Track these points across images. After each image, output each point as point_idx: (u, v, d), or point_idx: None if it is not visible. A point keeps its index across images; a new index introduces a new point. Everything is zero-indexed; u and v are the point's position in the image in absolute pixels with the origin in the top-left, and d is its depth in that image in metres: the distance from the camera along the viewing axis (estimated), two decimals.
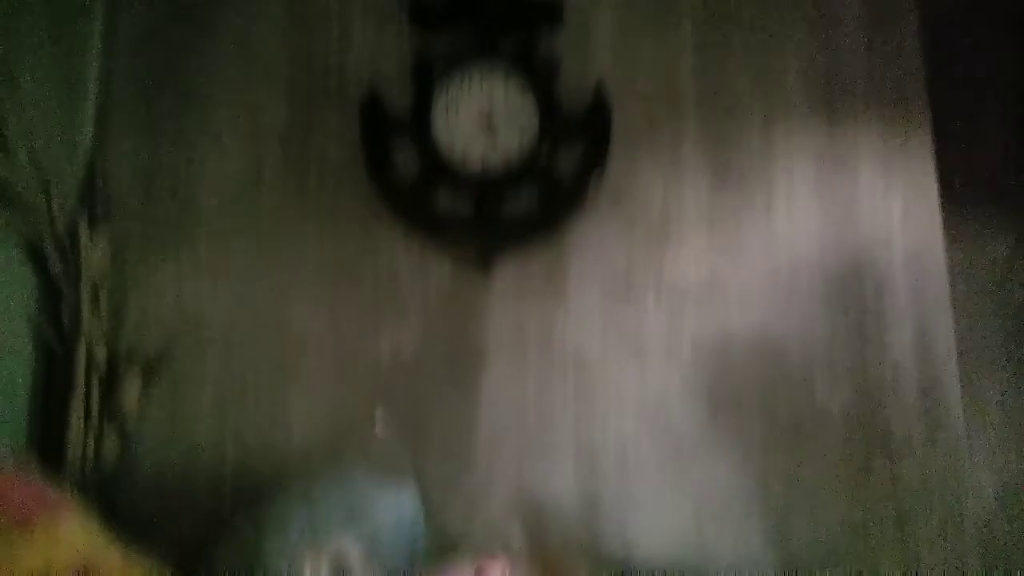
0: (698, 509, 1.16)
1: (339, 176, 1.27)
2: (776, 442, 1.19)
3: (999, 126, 1.44)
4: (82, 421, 1.08)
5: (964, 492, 1.19)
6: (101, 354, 1.11)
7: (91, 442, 1.09)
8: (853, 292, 1.25)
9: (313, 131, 1.28)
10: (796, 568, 1.13)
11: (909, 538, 1.18)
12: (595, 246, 1.25)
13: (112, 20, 1.30)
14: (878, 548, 1.18)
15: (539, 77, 1.26)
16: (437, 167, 1.24)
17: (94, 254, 1.11)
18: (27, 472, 0.89)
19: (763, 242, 1.26)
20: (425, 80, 1.26)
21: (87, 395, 1.09)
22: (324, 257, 1.25)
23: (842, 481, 1.18)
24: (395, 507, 1.04)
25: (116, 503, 1.11)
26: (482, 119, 1.25)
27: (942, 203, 1.30)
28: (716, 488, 1.18)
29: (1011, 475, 1.38)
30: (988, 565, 1.20)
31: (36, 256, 1.09)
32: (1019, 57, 1.43)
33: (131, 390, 1.13)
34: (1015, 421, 1.42)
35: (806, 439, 1.19)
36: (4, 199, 1.02)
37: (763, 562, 1.13)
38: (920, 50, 1.35)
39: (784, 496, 1.18)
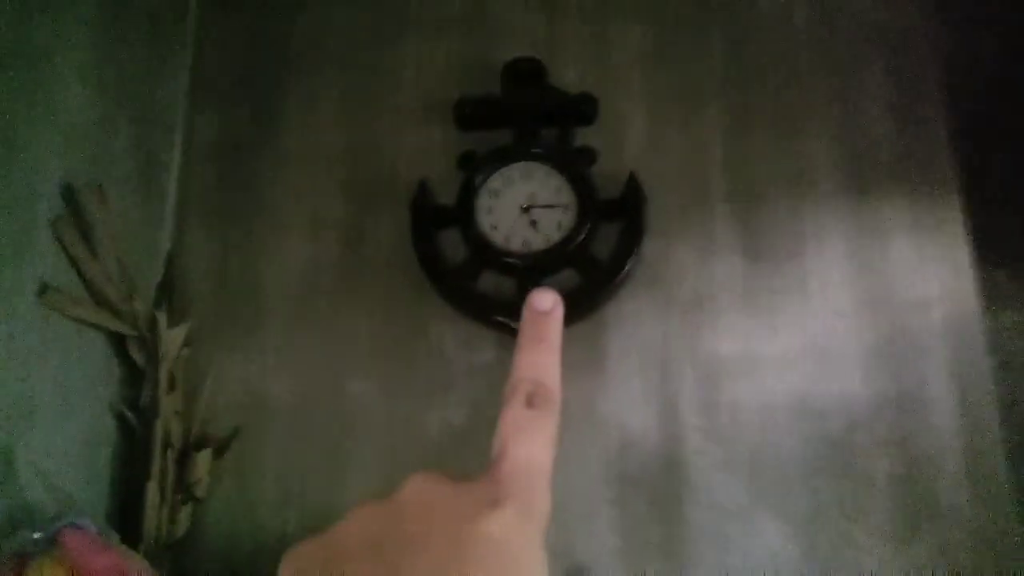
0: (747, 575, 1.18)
1: (391, 264, 1.37)
2: (820, 509, 1.20)
3: (1011, 203, 1.46)
4: (158, 496, 1.17)
5: (1016, 563, 1.18)
6: (176, 434, 1.21)
7: (165, 515, 1.17)
8: (891, 360, 1.28)
9: (368, 224, 1.40)
10: None
11: None
12: (632, 322, 1.31)
13: (190, 130, 1.46)
14: None
15: (575, 168, 1.35)
16: (482, 253, 1.33)
17: (172, 344, 1.22)
18: (107, 541, 0.98)
19: (798, 314, 1.30)
20: (470, 174, 1.36)
21: (163, 472, 1.18)
22: (378, 339, 1.34)
23: (890, 548, 1.18)
24: None
25: (188, 573, 1.19)
26: (523, 208, 1.34)
27: (976, 270, 1.32)
28: (763, 558, 1.19)
29: None
30: None
31: (120, 347, 1.21)
32: None
33: (202, 467, 1.22)
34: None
35: (851, 508, 1.20)
36: (94, 298, 1.14)
37: None
38: (946, 121, 1.40)
39: (836, 564, 1.18)
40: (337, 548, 0.31)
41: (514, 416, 0.34)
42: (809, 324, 1.30)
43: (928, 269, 1.31)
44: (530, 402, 0.34)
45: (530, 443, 0.33)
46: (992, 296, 1.32)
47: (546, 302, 0.35)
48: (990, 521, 1.20)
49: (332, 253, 1.39)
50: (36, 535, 0.94)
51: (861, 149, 1.38)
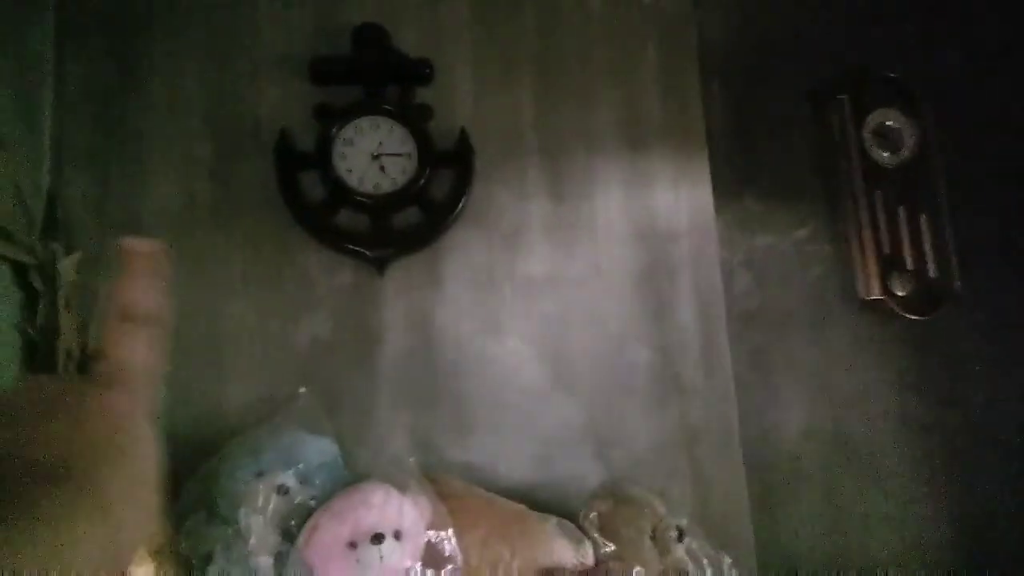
0: (546, 442, 1.59)
1: (258, 202, 1.60)
2: (600, 390, 1.63)
3: (764, 151, 1.93)
4: None
5: (734, 425, 1.67)
6: (75, 350, 1.40)
7: None
8: (653, 277, 1.71)
9: (235, 166, 1.61)
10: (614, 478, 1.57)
11: (696, 454, 1.65)
12: (464, 251, 1.65)
13: (61, 74, 1.58)
14: (674, 465, 1.64)
15: (416, 122, 1.63)
16: (339, 193, 1.60)
17: (67, 271, 1.40)
18: None
19: (589, 243, 1.70)
20: (326, 125, 1.61)
21: None
22: (249, 267, 1.58)
23: (647, 416, 1.64)
24: (319, 452, 1.39)
25: None
26: (373, 155, 1.61)
27: (714, 212, 1.77)
28: (559, 426, 1.61)
29: (774, 416, 1.87)
30: (750, 468, 1.70)
31: (18, 275, 1.37)
32: (787, 92, 1.93)
33: None
34: (770, 373, 1.92)
35: (621, 387, 1.64)
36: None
37: (593, 475, 1.57)
38: (700, 92, 1.82)
39: (607, 428, 1.62)
40: None
41: (114, 329, 0.42)
42: (597, 251, 1.70)
43: (681, 210, 1.74)
44: (128, 319, 0.43)
45: (130, 347, 0.41)
46: (723, 233, 1.79)
47: (145, 247, 0.45)
48: (716, 393, 1.68)
49: (203, 191, 1.60)
50: None
51: (636, 114, 1.77)
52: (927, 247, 1.99)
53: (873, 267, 1.95)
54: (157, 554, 1.14)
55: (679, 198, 1.75)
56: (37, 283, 1.38)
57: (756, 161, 1.89)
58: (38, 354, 1.39)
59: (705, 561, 1.41)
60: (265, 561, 1.16)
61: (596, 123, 1.74)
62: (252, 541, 1.16)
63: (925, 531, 1.84)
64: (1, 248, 1.30)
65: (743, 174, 1.87)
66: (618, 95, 1.76)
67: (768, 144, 1.93)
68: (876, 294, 1.94)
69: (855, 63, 2.04)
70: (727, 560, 1.43)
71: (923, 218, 2.00)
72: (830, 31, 2.06)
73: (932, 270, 1.97)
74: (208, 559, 1.18)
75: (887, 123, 2.06)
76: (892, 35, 2.10)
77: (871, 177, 2.01)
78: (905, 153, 2.10)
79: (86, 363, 1.42)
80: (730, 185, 1.84)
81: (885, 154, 2.07)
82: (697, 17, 1.86)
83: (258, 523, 1.18)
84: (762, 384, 1.81)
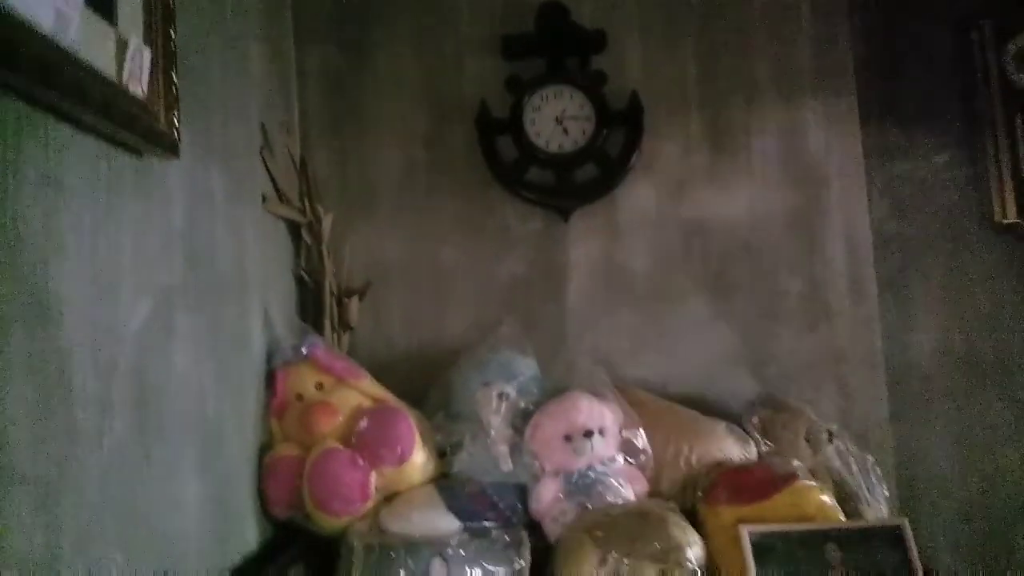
0: (709, 358, 1.87)
1: (464, 163, 1.92)
2: (756, 314, 1.89)
3: (907, 80, 2.03)
4: (330, 328, 1.76)
5: (877, 344, 1.89)
6: (334, 287, 1.79)
7: (335, 341, 1.78)
8: (803, 212, 1.92)
9: (444, 134, 1.93)
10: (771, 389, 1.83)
11: (841, 372, 1.89)
12: (636, 199, 1.92)
13: (301, 61, 1.93)
14: (822, 378, 1.89)
15: (592, 88, 1.89)
16: (529, 153, 1.89)
17: (326, 226, 1.78)
18: (338, 353, 1.59)
19: (745, 186, 1.93)
20: (517, 95, 1.89)
21: (330, 311, 1.77)
22: (459, 217, 1.92)
23: (799, 337, 1.89)
24: (528, 367, 1.73)
25: None
26: (557, 119, 1.89)
27: (864, 150, 1.95)
28: (721, 344, 1.89)
29: (910, 335, 2.04)
30: (890, 383, 1.92)
31: (292, 229, 1.76)
32: (932, 20, 2.01)
33: (353, 307, 1.81)
34: (907, 294, 2.07)
35: (775, 311, 1.89)
36: (283, 200, 1.67)
37: (750, 386, 1.84)
38: (851, 47, 1.97)
39: (763, 348, 1.88)
40: None
41: None
42: (753, 195, 1.92)
43: (832, 155, 1.93)
44: None
45: None
46: (872, 177, 1.95)
47: None
48: (861, 320, 1.90)
49: (420, 156, 1.93)
50: (294, 351, 1.54)
51: (790, 64, 1.95)
52: None
53: (1010, 191, 1.99)
54: (425, 443, 1.52)
55: (829, 144, 1.94)
56: (307, 237, 1.76)
57: (900, 90, 1.98)
58: (307, 291, 1.79)
59: (851, 459, 1.67)
60: (503, 449, 1.52)
61: (753, 77, 1.94)
62: (492, 434, 1.52)
63: None
64: (284, 211, 1.68)
65: (887, 104, 1.97)
66: (773, 48, 1.95)
67: (912, 73, 2.00)
68: (1012, 217, 1.97)
69: None
70: (870, 459, 1.68)
71: None
72: None
73: None
74: (457, 447, 1.55)
75: None
76: None
77: (1011, 102, 2.03)
78: None
79: (342, 301, 1.81)
80: (874, 115, 1.97)
81: None
82: None
83: (496, 420, 1.54)
84: (900, 305, 1.96)
